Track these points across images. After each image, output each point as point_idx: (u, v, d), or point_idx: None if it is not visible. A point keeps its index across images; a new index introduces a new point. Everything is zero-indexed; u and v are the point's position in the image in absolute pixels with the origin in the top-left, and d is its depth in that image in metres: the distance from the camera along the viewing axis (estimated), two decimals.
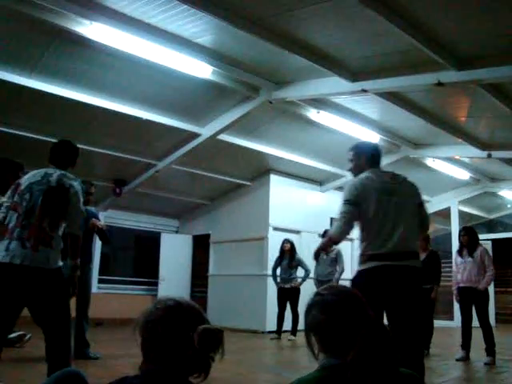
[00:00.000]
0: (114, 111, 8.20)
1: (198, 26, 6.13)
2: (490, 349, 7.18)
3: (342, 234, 3.74)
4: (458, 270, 7.70)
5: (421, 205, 3.89)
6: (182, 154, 10.05)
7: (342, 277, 9.62)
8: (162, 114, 8.77)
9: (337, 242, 3.86)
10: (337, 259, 9.66)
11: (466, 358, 7.37)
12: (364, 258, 3.66)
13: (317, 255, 4.15)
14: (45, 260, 3.42)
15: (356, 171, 3.94)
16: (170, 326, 1.56)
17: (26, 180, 3.65)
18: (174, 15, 5.88)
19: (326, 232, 9.93)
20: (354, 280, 3.73)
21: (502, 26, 5.69)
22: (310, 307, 1.80)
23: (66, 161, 3.90)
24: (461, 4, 5.36)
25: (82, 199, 3.71)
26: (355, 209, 3.65)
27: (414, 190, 3.90)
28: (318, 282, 9.41)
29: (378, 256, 3.59)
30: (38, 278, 3.38)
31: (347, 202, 3.68)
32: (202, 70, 7.14)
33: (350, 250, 12.38)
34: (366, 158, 3.93)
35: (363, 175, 3.80)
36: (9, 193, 3.69)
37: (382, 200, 3.66)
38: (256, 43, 6.33)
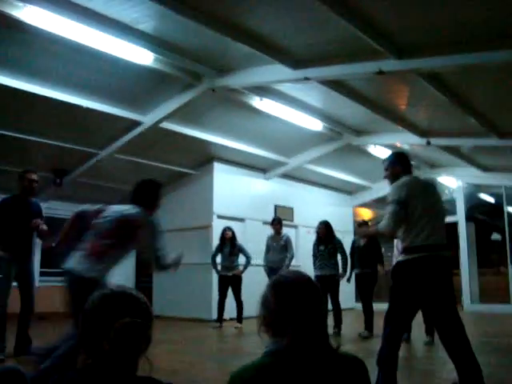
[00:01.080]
0: (53, 99, 7.95)
1: (139, 12, 5.99)
2: (430, 328, 7.43)
3: (390, 230, 4.27)
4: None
5: (443, 204, 4.56)
6: (124, 142, 9.88)
7: (293, 263, 9.73)
8: (103, 101, 8.57)
9: (383, 236, 4.43)
10: (286, 246, 9.75)
11: (407, 338, 7.58)
12: (407, 250, 4.19)
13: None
14: (87, 270, 3.96)
15: (391, 178, 4.50)
16: (98, 316, 1.52)
17: (109, 208, 4.34)
18: (114, 0, 5.74)
19: (274, 220, 10.06)
20: (396, 270, 4.32)
21: (442, 17, 5.78)
22: (266, 288, 1.81)
23: (142, 199, 4.40)
24: None
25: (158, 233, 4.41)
26: (402, 208, 4.14)
27: (440, 192, 4.57)
28: (270, 269, 9.47)
29: (419, 248, 4.12)
30: (89, 286, 3.65)
31: (395, 201, 4.18)
32: (144, 56, 7.00)
33: (295, 238, 12.52)
34: (400, 166, 4.50)
35: (404, 179, 4.33)
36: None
37: (423, 200, 4.21)
38: (198, 30, 6.24)
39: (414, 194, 4.21)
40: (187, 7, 5.72)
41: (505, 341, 8.17)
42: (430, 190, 4.41)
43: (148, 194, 4.48)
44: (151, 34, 6.57)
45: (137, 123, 9.38)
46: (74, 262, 4.02)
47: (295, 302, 1.70)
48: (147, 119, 9.25)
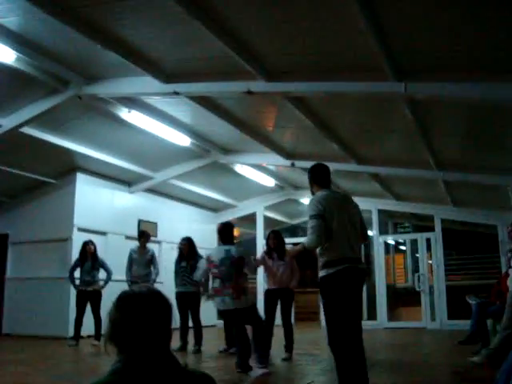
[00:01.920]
0: None
1: (2, 5, 5.58)
2: (289, 345, 7.62)
3: (318, 243, 4.31)
4: (271, 272, 7.92)
5: (362, 219, 4.69)
6: None
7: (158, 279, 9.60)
8: None
9: (310, 251, 4.48)
10: (152, 261, 9.60)
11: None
12: (327, 264, 4.32)
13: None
14: (244, 303, 6.21)
15: (312, 191, 4.70)
16: None
17: (215, 256, 6.39)
18: None
19: (142, 233, 9.80)
20: (322, 285, 4.39)
21: (310, 45, 5.98)
22: (113, 302, 1.76)
23: (232, 238, 6.67)
24: (273, 20, 5.56)
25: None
26: (323, 222, 4.26)
27: (358, 208, 4.70)
28: (133, 283, 9.16)
29: (338, 261, 4.28)
30: (244, 313, 6.23)
31: (315, 216, 4.30)
32: (5, 54, 6.53)
33: (158, 253, 12.35)
34: (315, 182, 4.71)
35: (319, 193, 4.53)
36: (205, 266, 6.62)
37: (338, 214, 4.37)
38: (68, 33, 5.93)
39: (330, 208, 4.34)
40: (54, 6, 5.33)
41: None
42: (345, 203, 4.57)
43: (231, 233, 6.66)
44: (15, 30, 6.16)
45: None
46: (234, 303, 6.14)
47: (137, 316, 1.66)
48: (6, 122, 8.68)
